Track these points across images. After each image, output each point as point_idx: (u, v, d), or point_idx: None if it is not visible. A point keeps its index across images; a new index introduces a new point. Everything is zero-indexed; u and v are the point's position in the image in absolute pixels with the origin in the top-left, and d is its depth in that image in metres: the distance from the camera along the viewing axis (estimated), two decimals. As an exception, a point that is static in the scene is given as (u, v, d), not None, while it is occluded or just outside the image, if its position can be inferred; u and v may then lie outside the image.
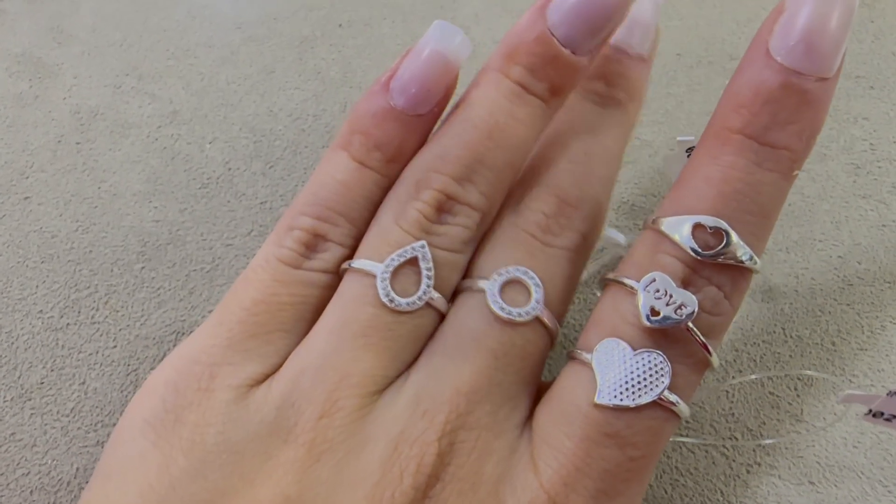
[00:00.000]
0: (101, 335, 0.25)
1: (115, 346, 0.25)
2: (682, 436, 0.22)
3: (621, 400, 0.17)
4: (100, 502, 0.17)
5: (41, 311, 0.25)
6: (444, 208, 0.19)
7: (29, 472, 0.22)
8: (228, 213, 0.27)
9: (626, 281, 0.17)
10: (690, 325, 0.17)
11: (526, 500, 0.17)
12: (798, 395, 0.23)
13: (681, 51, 0.31)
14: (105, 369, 0.24)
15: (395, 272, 0.18)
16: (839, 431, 0.22)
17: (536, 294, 0.18)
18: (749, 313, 0.25)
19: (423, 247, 0.18)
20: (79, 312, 0.25)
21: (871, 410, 0.20)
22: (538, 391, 0.19)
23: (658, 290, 0.17)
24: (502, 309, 0.18)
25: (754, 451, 0.22)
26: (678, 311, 0.17)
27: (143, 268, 0.26)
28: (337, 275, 0.19)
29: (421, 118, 0.19)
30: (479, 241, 0.19)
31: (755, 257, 0.17)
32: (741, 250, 0.17)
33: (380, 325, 0.18)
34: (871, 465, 0.22)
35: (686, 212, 0.17)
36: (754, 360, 0.24)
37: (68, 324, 0.25)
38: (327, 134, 0.29)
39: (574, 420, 0.17)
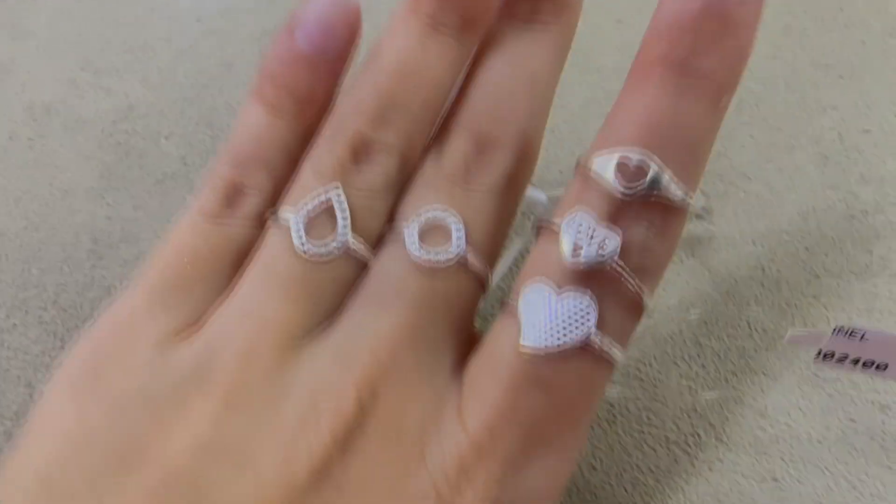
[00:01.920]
0: (48, 335, 0.24)
1: (62, 347, 0.24)
2: (643, 432, 0.22)
3: (546, 342, 0.16)
4: (17, 458, 0.17)
5: (-13, 311, 0.24)
6: (360, 153, 0.18)
7: (-30, 478, 0.22)
8: (184, 209, 0.27)
9: (551, 222, 0.17)
10: (618, 263, 0.16)
11: (451, 452, 0.16)
12: (762, 391, 0.22)
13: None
14: (52, 371, 0.23)
15: (312, 220, 0.18)
16: (803, 427, 0.22)
17: (457, 235, 0.17)
18: (714, 307, 0.24)
19: (336, 189, 0.18)
20: (26, 312, 0.24)
21: (821, 352, 0.19)
22: (472, 341, 0.18)
23: (580, 227, 0.16)
24: (421, 253, 0.17)
25: (717, 447, 0.22)
26: (601, 248, 0.16)
27: (94, 266, 0.25)
28: (257, 223, 0.19)
29: (327, 59, 0.19)
30: (403, 187, 0.19)
31: (687, 193, 0.17)
32: (669, 186, 0.16)
33: (296, 273, 0.17)
34: (835, 460, 0.21)
35: (610, 146, 0.17)
36: (718, 355, 0.23)
37: (15, 324, 0.24)
38: (287, 128, 0.29)
39: (500, 367, 0.17)
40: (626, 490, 0.21)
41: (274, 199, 0.19)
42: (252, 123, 0.19)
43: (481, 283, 0.18)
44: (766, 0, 0.17)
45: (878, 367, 0.19)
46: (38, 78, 0.30)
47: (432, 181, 0.18)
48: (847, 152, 0.27)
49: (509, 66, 0.19)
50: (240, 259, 0.19)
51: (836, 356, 0.19)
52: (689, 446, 0.22)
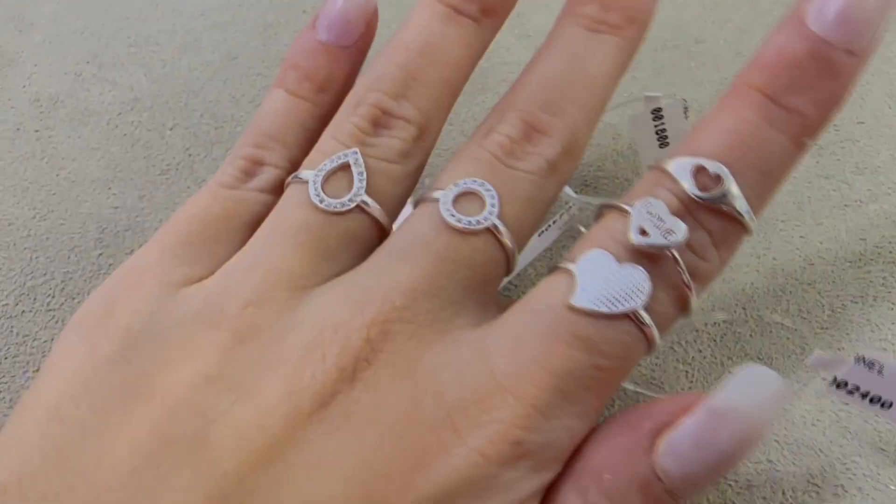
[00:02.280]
0: (56, 322, 0.24)
1: (70, 333, 0.24)
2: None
3: (597, 306, 0.16)
4: (29, 396, 0.17)
5: (-4, 298, 0.25)
6: (379, 122, 0.19)
7: (-20, 460, 0.22)
8: (188, 199, 0.27)
9: (622, 204, 0.18)
10: (677, 255, 0.17)
11: (472, 386, 0.16)
12: (758, 375, 0.23)
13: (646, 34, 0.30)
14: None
15: (328, 177, 0.19)
16: (798, 410, 0.22)
17: (490, 205, 0.18)
18: (710, 293, 0.24)
19: (355, 153, 0.19)
20: (34, 300, 0.25)
21: (836, 379, 0.20)
22: (491, 310, 0.18)
23: (650, 213, 0.17)
24: (453, 216, 0.18)
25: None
26: (667, 235, 0.16)
27: (100, 254, 0.26)
28: (273, 195, 0.20)
29: (346, 50, 0.21)
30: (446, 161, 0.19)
31: (752, 213, 0.17)
32: (738, 200, 0.17)
33: (311, 225, 0.18)
34: (829, 443, 0.22)
35: (692, 154, 0.18)
36: (714, 340, 0.23)
37: (23, 311, 0.25)
38: (290, 120, 0.29)
39: (545, 317, 0.17)
40: (623, 471, 0.21)
41: (290, 174, 0.20)
42: (272, 105, 0.21)
43: (507, 259, 0.18)
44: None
45: (883, 404, 0.20)
46: (44, 70, 0.30)
47: (475, 154, 0.19)
48: (842, 143, 0.28)
49: (569, 63, 0.19)
50: (254, 224, 0.19)
51: (849, 386, 0.20)
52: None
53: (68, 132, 0.29)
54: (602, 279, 0.17)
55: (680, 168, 0.17)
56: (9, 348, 0.24)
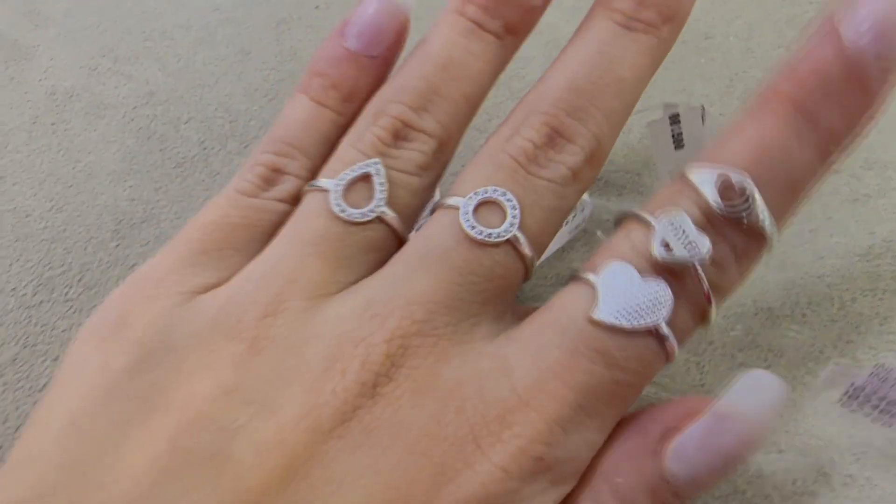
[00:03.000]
0: (74, 312, 0.25)
1: (88, 323, 0.25)
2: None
3: (619, 320, 0.16)
4: (44, 409, 0.17)
5: (14, 288, 0.25)
6: (400, 134, 0.19)
7: (2, 446, 0.22)
8: (203, 191, 0.27)
9: (644, 214, 0.17)
10: (699, 268, 0.17)
11: (493, 401, 0.16)
12: (769, 367, 0.23)
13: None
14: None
15: (349, 187, 0.18)
16: (808, 400, 0.22)
17: (511, 217, 0.18)
18: (721, 286, 0.25)
19: (376, 163, 0.19)
20: (52, 290, 0.25)
21: (847, 391, 0.20)
22: (507, 319, 0.18)
23: (674, 226, 0.17)
24: (473, 228, 0.17)
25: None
26: (690, 249, 0.16)
27: (117, 246, 0.26)
28: (292, 204, 0.20)
29: (374, 60, 0.20)
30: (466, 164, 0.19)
31: (774, 227, 0.17)
32: (761, 212, 0.17)
33: (330, 234, 0.18)
34: (839, 433, 0.22)
35: (717, 163, 0.17)
36: (725, 332, 0.24)
37: (42, 301, 0.25)
38: (303, 114, 0.29)
39: (566, 331, 0.17)
40: (635, 460, 0.22)
41: (309, 181, 0.19)
42: (295, 113, 0.20)
43: (526, 267, 0.18)
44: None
45: (893, 414, 0.20)
46: (60, 64, 0.31)
47: (497, 159, 0.18)
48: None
49: (599, 63, 0.19)
50: (272, 233, 0.19)
51: (861, 398, 0.20)
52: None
53: (84, 125, 0.29)
54: (624, 293, 0.17)
55: (704, 179, 0.17)
56: (27, 337, 0.24)
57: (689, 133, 0.25)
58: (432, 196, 0.20)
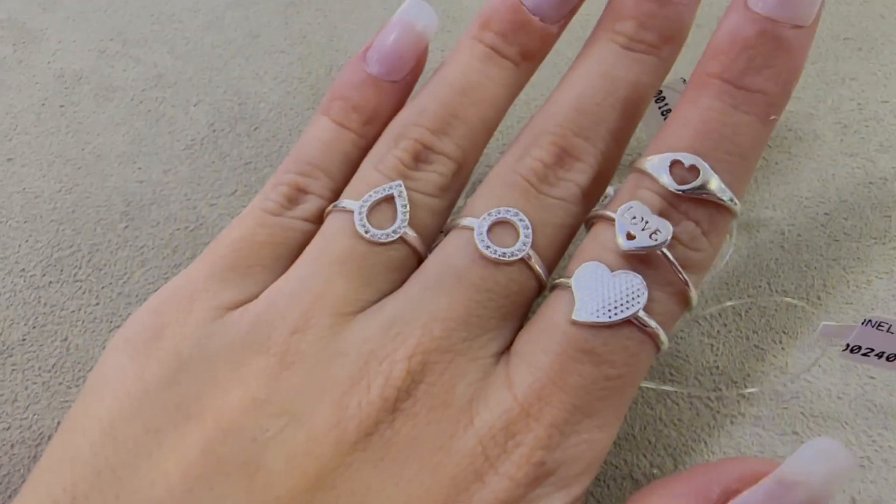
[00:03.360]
0: (83, 293, 0.25)
1: (97, 304, 0.24)
2: (665, 385, 0.22)
3: (598, 317, 0.17)
4: (79, 412, 0.18)
5: (23, 269, 0.25)
6: (420, 157, 0.20)
7: (10, 427, 0.22)
8: (213, 173, 0.27)
9: (606, 213, 0.18)
10: (667, 253, 0.17)
11: (498, 413, 0.17)
12: (783, 349, 0.23)
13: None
14: (87, 326, 0.24)
15: (372, 208, 0.19)
16: (823, 383, 0.22)
17: (524, 236, 0.18)
18: (734, 268, 0.24)
19: (399, 186, 0.19)
20: (61, 271, 0.25)
21: (848, 345, 0.20)
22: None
23: (634, 217, 0.17)
24: (488, 247, 0.18)
25: (738, 402, 0.22)
26: (653, 235, 0.17)
27: (126, 227, 0.26)
28: (316, 223, 0.20)
29: (395, 84, 0.21)
30: (479, 185, 0.20)
31: (734, 197, 0.18)
32: (717, 187, 0.17)
33: (355, 254, 0.19)
34: (854, 415, 0.22)
35: (665, 150, 0.18)
36: (739, 315, 0.23)
37: (51, 282, 0.25)
38: (313, 96, 0.29)
39: (552, 336, 0.17)
40: (649, 441, 0.22)
41: (332, 200, 0.20)
42: (318, 134, 0.21)
43: (539, 284, 0.19)
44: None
45: None
46: (69, 47, 0.31)
47: (509, 179, 0.19)
48: (866, 121, 0.27)
49: (603, 85, 0.19)
50: (297, 251, 0.19)
51: (863, 349, 0.20)
52: (711, 400, 0.22)
53: (93, 108, 0.29)
54: (598, 290, 0.17)
55: (656, 166, 0.18)
56: (37, 318, 0.24)
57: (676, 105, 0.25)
58: (449, 216, 0.21)
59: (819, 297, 0.24)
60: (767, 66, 0.18)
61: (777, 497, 0.16)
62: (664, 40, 0.20)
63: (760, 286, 0.24)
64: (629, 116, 0.20)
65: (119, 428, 0.17)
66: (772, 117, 0.18)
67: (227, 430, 0.17)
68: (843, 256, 0.25)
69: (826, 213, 0.25)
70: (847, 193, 0.26)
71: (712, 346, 0.23)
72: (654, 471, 0.21)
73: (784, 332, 0.23)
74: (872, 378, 0.22)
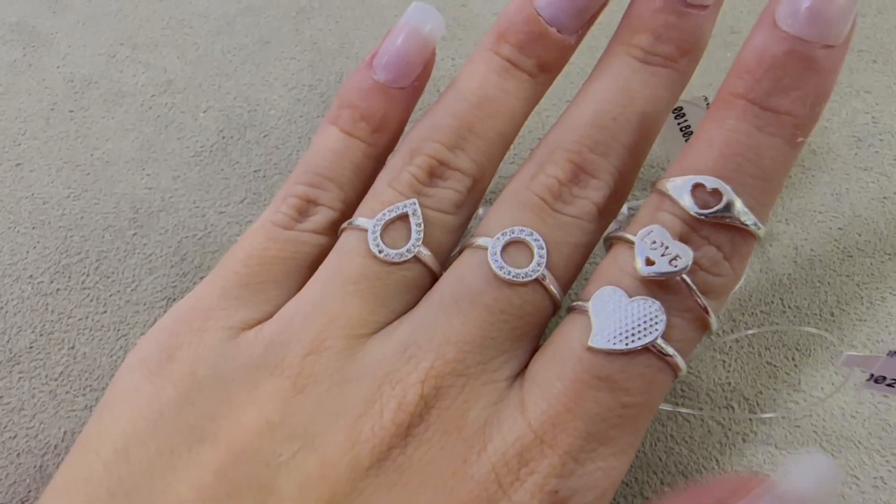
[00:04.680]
0: (91, 300, 0.24)
1: (105, 312, 0.24)
2: (677, 405, 0.22)
3: (614, 344, 0.16)
4: (93, 432, 0.18)
5: (31, 276, 0.25)
6: (435, 173, 0.19)
7: (16, 436, 0.22)
8: (222, 180, 0.27)
9: (626, 235, 0.18)
10: (687, 279, 0.17)
11: (512, 440, 0.17)
12: (796, 366, 0.23)
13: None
14: (95, 334, 0.24)
15: (386, 227, 0.19)
16: (837, 402, 0.22)
17: (539, 257, 0.18)
18: (747, 284, 0.24)
19: (413, 204, 0.19)
20: (69, 278, 0.25)
21: (872, 376, 0.19)
22: (536, 352, 0.18)
23: (654, 242, 0.17)
24: (501, 268, 0.18)
25: (750, 420, 0.22)
26: (673, 262, 0.17)
27: (134, 234, 0.26)
28: (327, 236, 0.20)
29: (403, 91, 0.21)
30: (494, 202, 0.19)
31: (757, 221, 0.17)
32: (741, 211, 0.17)
33: (369, 273, 0.18)
34: (868, 434, 0.21)
35: (688, 172, 0.17)
36: (751, 330, 0.23)
37: (58, 289, 0.25)
38: (323, 104, 0.29)
39: (567, 362, 0.17)
40: (660, 458, 0.21)
41: (343, 215, 0.20)
42: (327, 144, 0.20)
43: (554, 304, 0.18)
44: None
45: None
46: (78, 52, 0.30)
47: (522, 198, 0.19)
48: (880, 135, 0.27)
49: (620, 100, 0.19)
50: (311, 266, 0.19)
51: (887, 380, 0.20)
52: (723, 418, 0.22)
53: (102, 113, 0.29)
54: (615, 316, 0.17)
55: (679, 188, 0.17)
56: (44, 325, 0.24)
57: (696, 124, 0.25)
58: (465, 232, 0.20)
59: (832, 314, 0.24)
60: (795, 87, 0.17)
61: None
62: (682, 53, 0.19)
63: (773, 302, 0.24)
64: (646, 131, 0.19)
65: (133, 449, 0.17)
66: (799, 139, 0.17)
67: (241, 453, 0.17)
68: (857, 272, 0.24)
69: (840, 228, 0.25)
70: (861, 208, 0.26)
71: (724, 361, 0.23)
72: (665, 489, 0.21)
73: (797, 350, 0.23)
74: (885, 398, 0.22)
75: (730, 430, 0.22)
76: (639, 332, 0.16)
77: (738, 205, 0.17)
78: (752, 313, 0.24)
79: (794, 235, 0.25)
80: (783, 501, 0.16)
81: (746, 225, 0.17)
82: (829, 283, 0.24)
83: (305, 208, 0.20)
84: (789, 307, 0.24)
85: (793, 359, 0.23)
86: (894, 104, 0.28)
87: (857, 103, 0.28)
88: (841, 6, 0.17)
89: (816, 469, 0.16)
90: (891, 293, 0.24)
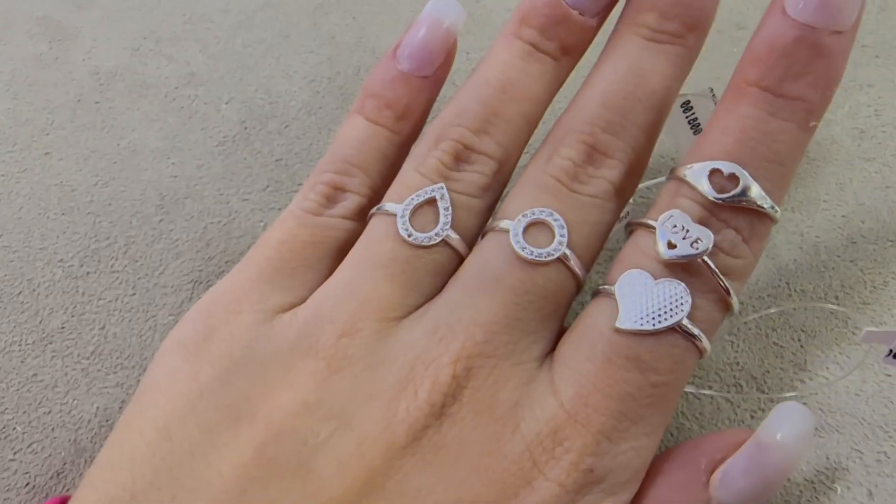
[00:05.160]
0: (120, 283, 0.25)
1: (133, 294, 0.25)
2: (692, 383, 0.23)
3: (642, 325, 0.17)
4: (135, 413, 0.18)
5: (62, 259, 0.26)
6: (461, 157, 0.20)
7: (51, 411, 0.23)
8: (245, 169, 0.28)
9: (647, 220, 0.18)
10: (708, 261, 0.17)
11: (545, 420, 0.17)
12: (802, 346, 0.23)
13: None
14: (124, 315, 0.25)
15: (415, 211, 0.19)
16: (841, 381, 0.23)
17: (560, 236, 0.18)
18: (754, 271, 0.25)
19: (441, 188, 0.19)
20: (99, 261, 0.26)
21: (891, 351, 0.20)
22: (562, 333, 0.19)
23: (675, 226, 0.17)
24: (524, 249, 0.18)
25: (758, 398, 0.23)
26: (694, 244, 0.17)
27: (161, 220, 0.27)
28: (356, 221, 0.21)
29: (426, 80, 0.21)
30: (512, 186, 0.20)
31: (774, 205, 0.18)
32: (758, 195, 0.18)
33: (399, 257, 0.19)
34: (872, 412, 0.22)
35: (704, 159, 0.18)
36: (758, 313, 0.24)
37: (88, 272, 0.26)
38: (341, 96, 0.30)
39: (596, 344, 0.17)
40: (671, 434, 0.22)
41: (371, 201, 0.20)
42: (353, 133, 0.21)
43: (577, 283, 0.19)
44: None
45: None
46: (103, 45, 0.31)
47: (540, 180, 0.19)
48: (883, 127, 0.28)
49: (630, 79, 0.19)
50: (340, 250, 0.20)
51: None
52: (732, 396, 0.23)
53: (127, 104, 0.30)
54: (642, 298, 0.17)
55: (696, 174, 0.18)
56: (75, 307, 0.25)
57: (704, 116, 0.26)
58: (491, 216, 0.21)
59: (837, 298, 0.24)
60: (806, 72, 0.18)
61: (758, 460, 0.17)
62: (688, 29, 0.20)
63: (779, 286, 0.25)
64: (657, 109, 0.20)
65: (174, 428, 0.18)
66: (811, 124, 0.18)
67: (279, 432, 0.17)
68: (861, 258, 0.25)
69: (843, 216, 0.26)
70: (864, 197, 0.26)
71: (732, 343, 0.24)
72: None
73: (802, 331, 0.24)
74: (889, 376, 0.23)
75: (738, 406, 0.22)
76: (665, 312, 0.17)
77: (755, 189, 0.18)
78: (759, 297, 0.24)
79: (799, 223, 0.26)
80: (766, 448, 0.17)
81: (763, 208, 0.18)
82: (833, 269, 0.25)
83: (333, 195, 0.21)
84: (795, 291, 0.24)
85: (798, 339, 0.24)
86: (896, 97, 0.29)
87: (860, 97, 0.29)
88: None
89: (791, 416, 0.17)
90: (893, 278, 0.25)
